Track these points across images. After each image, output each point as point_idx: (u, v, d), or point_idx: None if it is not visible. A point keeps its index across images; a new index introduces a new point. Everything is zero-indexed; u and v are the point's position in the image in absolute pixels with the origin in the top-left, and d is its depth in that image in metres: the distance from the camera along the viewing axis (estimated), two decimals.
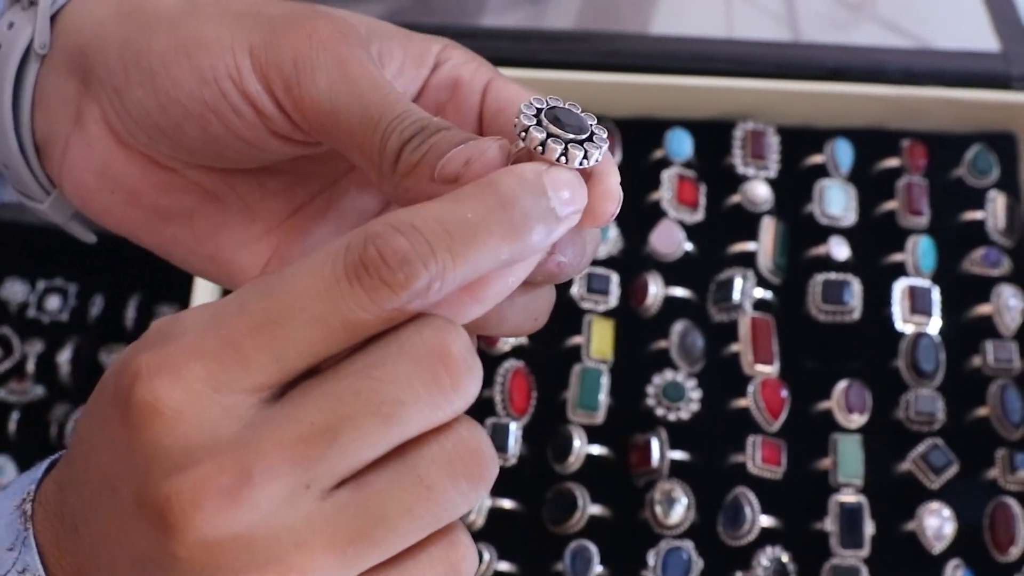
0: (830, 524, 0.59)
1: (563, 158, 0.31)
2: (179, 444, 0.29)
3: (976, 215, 0.67)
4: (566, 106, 0.33)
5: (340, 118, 0.34)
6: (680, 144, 0.68)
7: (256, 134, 0.36)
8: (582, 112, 0.33)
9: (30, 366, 0.71)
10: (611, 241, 0.66)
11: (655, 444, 0.60)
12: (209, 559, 0.29)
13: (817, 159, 0.68)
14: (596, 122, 0.33)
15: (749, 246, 0.66)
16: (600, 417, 0.61)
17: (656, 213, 0.66)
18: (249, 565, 0.28)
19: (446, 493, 0.29)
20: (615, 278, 0.65)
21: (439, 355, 0.29)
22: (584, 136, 0.32)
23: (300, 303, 0.29)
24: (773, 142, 0.69)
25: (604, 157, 0.32)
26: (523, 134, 0.32)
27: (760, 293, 0.64)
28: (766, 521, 0.59)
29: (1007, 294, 0.64)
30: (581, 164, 0.32)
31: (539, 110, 0.32)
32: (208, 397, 0.29)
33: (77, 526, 0.31)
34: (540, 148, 0.31)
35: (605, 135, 0.33)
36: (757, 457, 0.60)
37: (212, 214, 0.40)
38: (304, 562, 0.28)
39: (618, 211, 0.33)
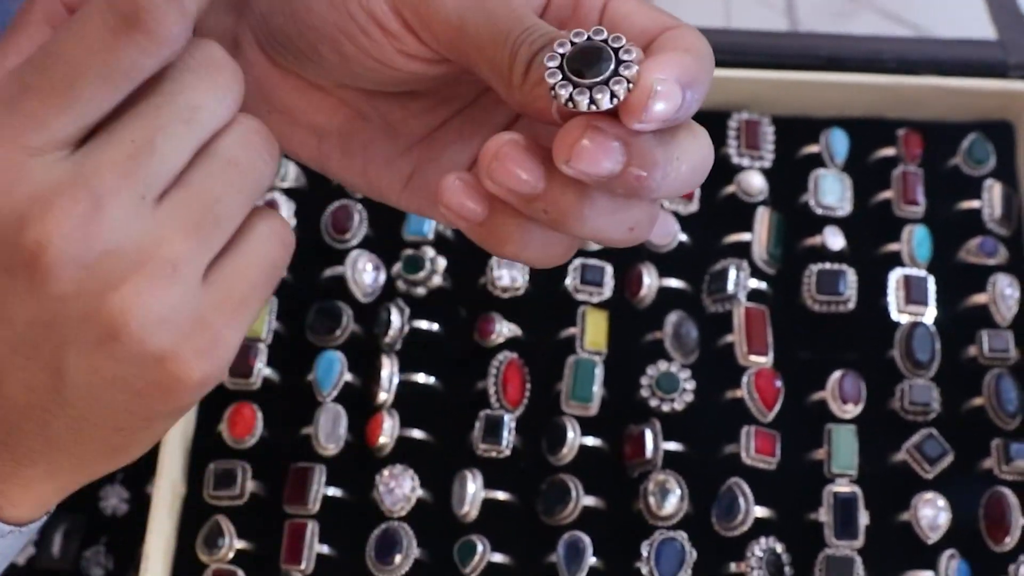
0: (824, 515, 0.59)
1: (593, 107, 0.32)
2: (20, 203, 0.32)
3: (972, 204, 0.66)
4: (590, 38, 0.33)
5: (469, 33, 0.36)
6: None
7: (385, 53, 0.38)
8: (607, 38, 0.33)
9: None
10: None
11: (649, 435, 0.60)
12: (92, 281, 0.32)
13: (812, 149, 0.68)
14: (624, 42, 0.33)
15: (744, 236, 0.65)
16: (594, 408, 0.61)
17: None
18: (127, 271, 0.32)
19: (252, 163, 0.35)
20: (609, 269, 0.65)
21: (210, 63, 0.34)
22: (608, 73, 0.33)
23: (80, 67, 0.32)
24: (768, 132, 0.68)
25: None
26: (552, 92, 0.33)
27: (755, 284, 0.64)
28: (760, 512, 0.59)
29: (1003, 283, 0.64)
30: (612, 103, 0.33)
31: (562, 57, 0.33)
32: (27, 162, 0.32)
33: None
34: (569, 104, 0.32)
35: (634, 55, 0.33)
36: (751, 448, 0.60)
37: (359, 132, 0.42)
38: (170, 253, 0.33)
39: (672, 106, 0.33)
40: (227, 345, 0.34)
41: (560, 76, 0.33)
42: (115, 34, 0.32)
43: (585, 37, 0.33)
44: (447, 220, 0.37)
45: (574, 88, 0.33)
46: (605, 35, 0.34)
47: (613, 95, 0.32)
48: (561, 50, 0.33)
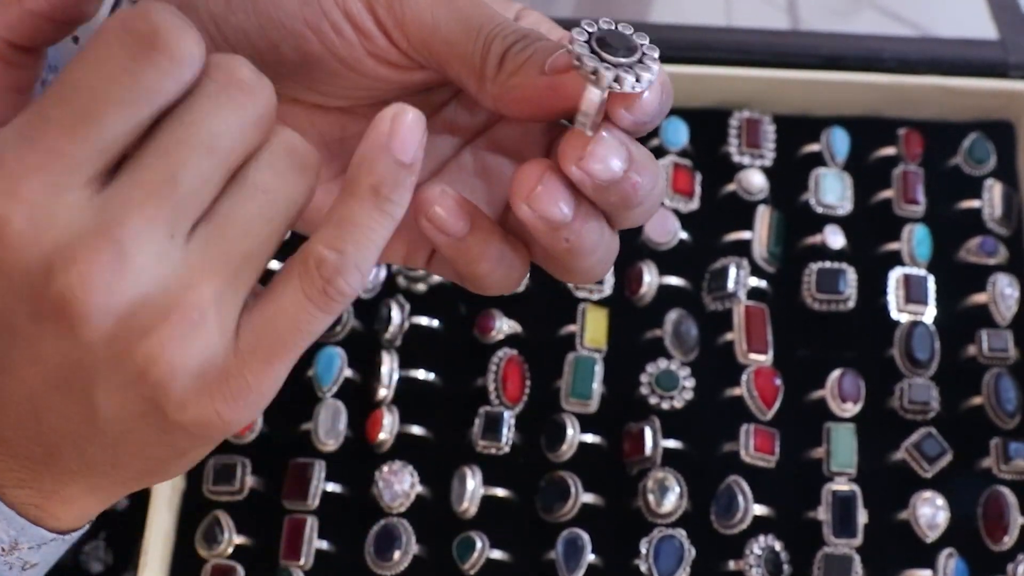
0: (823, 513, 0.59)
1: (616, 84, 0.33)
2: (46, 250, 0.31)
3: (972, 204, 0.66)
4: (617, 28, 0.34)
5: (441, 30, 0.36)
6: (676, 133, 0.68)
7: (354, 53, 0.38)
8: (632, 33, 0.34)
9: None
10: None
11: (648, 433, 0.60)
12: (120, 329, 0.32)
13: (813, 148, 0.68)
14: (647, 41, 0.34)
15: (744, 235, 0.65)
16: (593, 406, 0.61)
17: None
18: (155, 319, 0.32)
19: (283, 189, 0.33)
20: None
21: (232, 82, 0.32)
22: (635, 58, 0.33)
23: (101, 94, 0.31)
24: (769, 131, 0.68)
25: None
26: (577, 62, 0.33)
27: (755, 282, 0.64)
28: (759, 510, 0.59)
29: (1003, 283, 0.64)
30: (634, 88, 0.33)
31: (590, 35, 0.34)
32: (52, 203, 0.31)
33: None
34: (593, 76, 0.33)
35: (656, 54, 0.34)
36: (750, 446, 0.60)
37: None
38: (199, 298, 0.32)
39: (655, 114, 0.35)
40: (259, 392, 0.34)
41: (588, 50, 0.33)
42: (134, 57, 0.31)
43: (613, 25, 0.34)
44: (427, 232, 0.37)
45: (602, 62, 0.33)
46: (632, 30, 0.34)
47: (638, 78, 0.33)
48: (590, 29, 0.34)
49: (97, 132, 0.31)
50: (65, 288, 0.31)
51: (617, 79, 0.33)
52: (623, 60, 0.33)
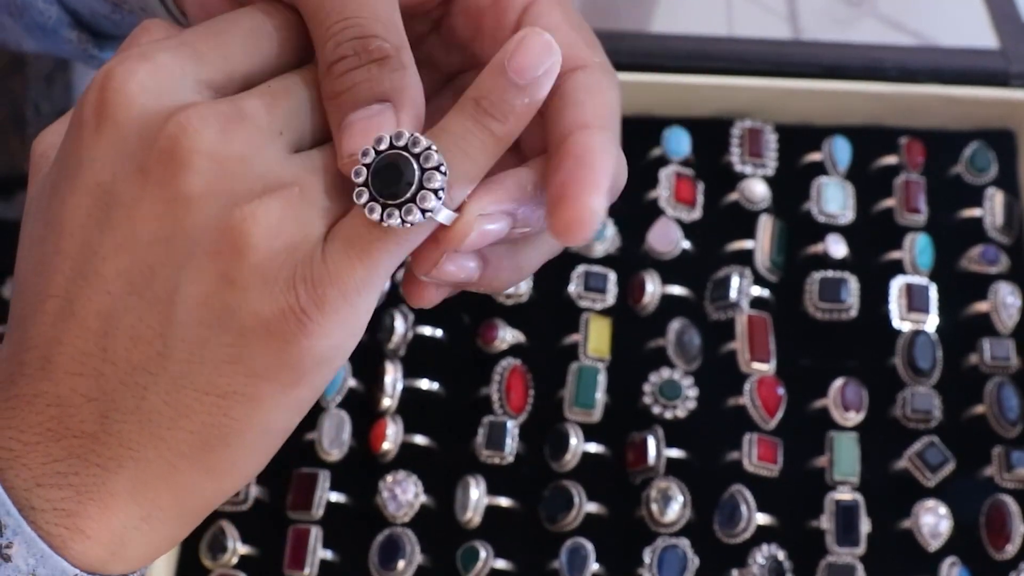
0: (826, 522, 0.59)
1: (407, 224, 0.32)
2: (166, 104, 0.32)
3: (974, 212, 0.67)
4: (392, 145, 0.33)
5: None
6: (678, 142, 0.68)
7: None
8: (407, 142, 0.33)
9: None
10: (608, 239, 0.66)
11: (652, 442, 0.60)
12: (221, 181, 0.32)
13: (815, 157, 0.68)
14: (423, 146, 0.32)
15: (746, 244, 0.66)
16: (597, 415, 0.62)
17: (654, 211, 0.66)
18: (257, 187, 0.32)
19: None
20: (612, 276, 0.65)
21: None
22: (411, 193, 0.32)
23: (235, 19, 0.35)
24: (771, 140, 0.69)
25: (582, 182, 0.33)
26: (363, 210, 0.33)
27: (757, 291, 0.64)
28: (762, 519, 0.59)
29: (1004, 291, 0.64)
30: (426, 217, 0.32)
31: (367, 172, 0.33)
32: (177, 80, 0.33)
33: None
34: (384, 223, 0.32)
35: (434, 161, 0.32)
36: (753, 455, 0.60)
37: None
38: (305, 189, 0.32)
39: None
40: (342, 291, 0.32)
41: (367, 196, 0.32)
42: (269, 12, 0.35)
43: (387, 144, 0.33)
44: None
45: (383, 209, 0.32)
46: (406, 139, 0.33)
47: (424, 211, 0.32)
48: (366, 160, 0.33)
49: (227, 43, 0.34)
50: (176, 128, 0.31)
51: (403, 221, 0.32)
52: (402, 200, 0.32)
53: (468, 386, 0.63)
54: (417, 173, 0.32)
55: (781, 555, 0.59)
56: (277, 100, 0.33)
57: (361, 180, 0.33)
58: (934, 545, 0.59)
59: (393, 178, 0.32)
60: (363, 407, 0.63)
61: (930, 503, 0.60)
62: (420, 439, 0.62)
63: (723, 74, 0.69)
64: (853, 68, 0.70)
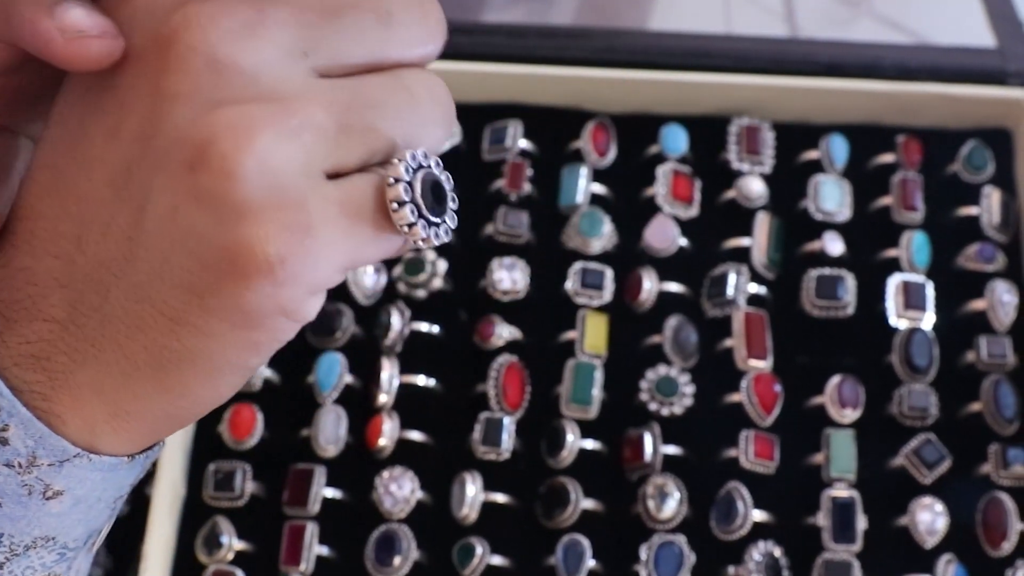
0: (822, 519, 0.59)
1: (435, 240, 0.32)
2: None
3: (971, 211, 0.67)
4: (430, 170, 0.32)
5: None
6: (675, 140, 0.68)
7: None
8: (433, 164, 0.32)
9: None
10: (606, 236, 0.66)
11: (648, 439, 0.61)
12: (211, 82, 0.29)
13: (812, 155, 0.68)
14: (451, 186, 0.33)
15: (743, 241, 0.66)
16: (593, 412, 0.62)
17: (651, 208, 0.66)
18: (249, 95, 0.29)
19: (426, 106, 0.32)
20: (609, 273, 0.65)
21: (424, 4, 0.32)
22: (446, 215, 0.32)
23: None
24: (768, 138, 0.69)
25: None
26: (395, 205, 0.31)
27: (754, 288, 0.64)
28: (758, 516, 0.59)
29: (1001, 289, 0.64)
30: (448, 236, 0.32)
31: (410, 188, 0.31)
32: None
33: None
34: (406, 227, 0.31)
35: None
36: (750, 452, 0.60)
37: None
38: (304, 112, 0.29)
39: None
40: (320, 252, 0.29)
41: (416, 215, 0.31)
42: None
43: (425, 167, 0.32)
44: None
45: (428, 224, 0.31)
46: (432, 162, 0.32)
47: (448, 231, 0.32)
48: (407, 177, 0.31)
49: None
50: (182, 20, 0.29)
51: (437, 236, 0.32)
52: (441, 219, 0.32)
53: (465, 382, 0.63)
54: (450, 193, 0.33)
55: (778, 552, 0.59)
56: (314, 19, 0.30)
57: (409, 198, 0.31)
58: (930, 542, 0.59)
59: (440, 197, 0.32)
60: (359, 403, 0.62)
61: (927, 500, 0.60)
62: (416, 435, 0.62)
63: (721, 72, 0.69)
64: (851, 66, 0.70)
